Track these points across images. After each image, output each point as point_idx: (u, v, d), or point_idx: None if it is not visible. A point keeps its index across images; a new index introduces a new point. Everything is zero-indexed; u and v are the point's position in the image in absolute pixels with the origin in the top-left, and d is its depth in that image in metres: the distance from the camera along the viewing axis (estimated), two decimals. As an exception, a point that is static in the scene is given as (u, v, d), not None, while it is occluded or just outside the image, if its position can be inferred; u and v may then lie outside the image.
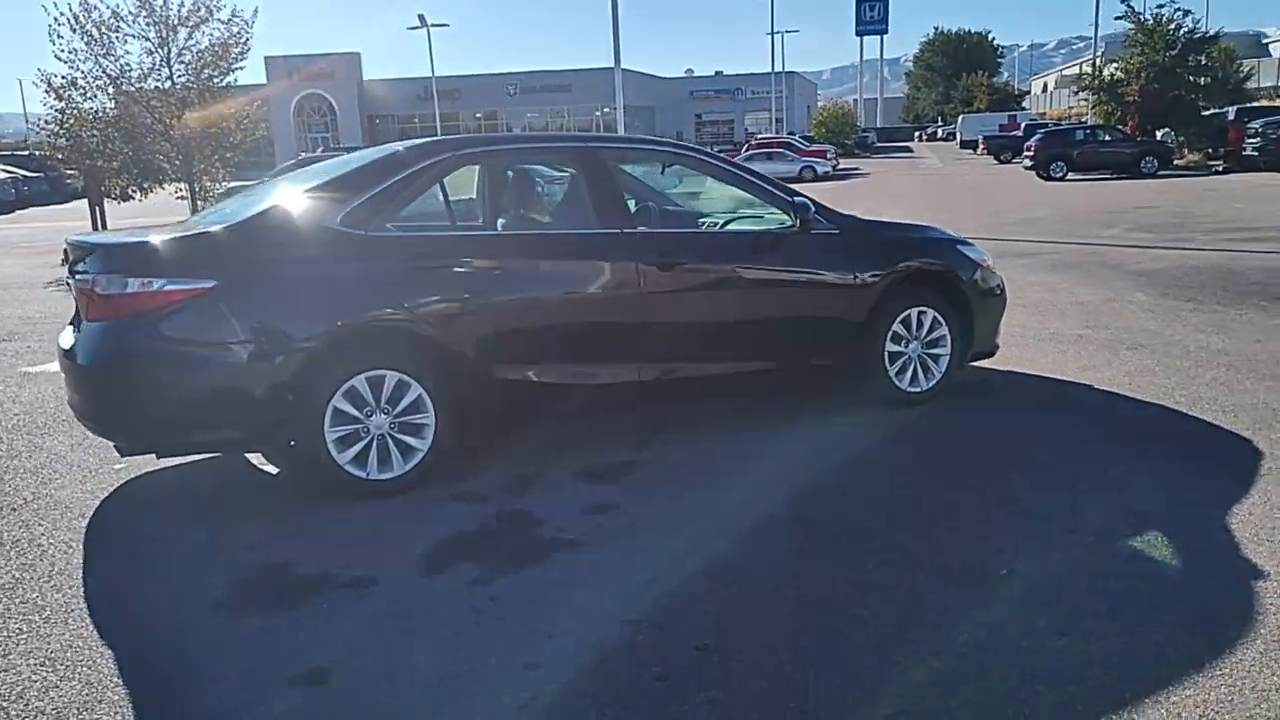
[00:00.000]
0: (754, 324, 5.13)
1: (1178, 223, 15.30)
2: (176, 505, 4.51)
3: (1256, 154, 27.02)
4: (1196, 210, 17.31)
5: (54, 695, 2.85)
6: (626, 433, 5.10)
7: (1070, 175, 29.73)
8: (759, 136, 50.19)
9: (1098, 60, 35.49)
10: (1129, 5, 32.83)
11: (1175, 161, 30.36)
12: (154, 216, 18.01)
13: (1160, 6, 32.31)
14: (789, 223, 5.23)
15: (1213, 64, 32.04)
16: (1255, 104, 34.91)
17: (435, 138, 5.13)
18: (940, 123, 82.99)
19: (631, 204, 5.17)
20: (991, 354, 5.87)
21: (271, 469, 4.87)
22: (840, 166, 43.47)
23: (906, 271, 5.44)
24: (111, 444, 4.44)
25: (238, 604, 3.42)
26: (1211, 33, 31.83)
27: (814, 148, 44.65)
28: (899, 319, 5.41)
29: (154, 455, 4.48)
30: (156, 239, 4.25)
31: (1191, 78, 31.78)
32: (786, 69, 79.15)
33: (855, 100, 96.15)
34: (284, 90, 65.09)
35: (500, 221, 4.97)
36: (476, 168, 5.13)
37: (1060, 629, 3.00)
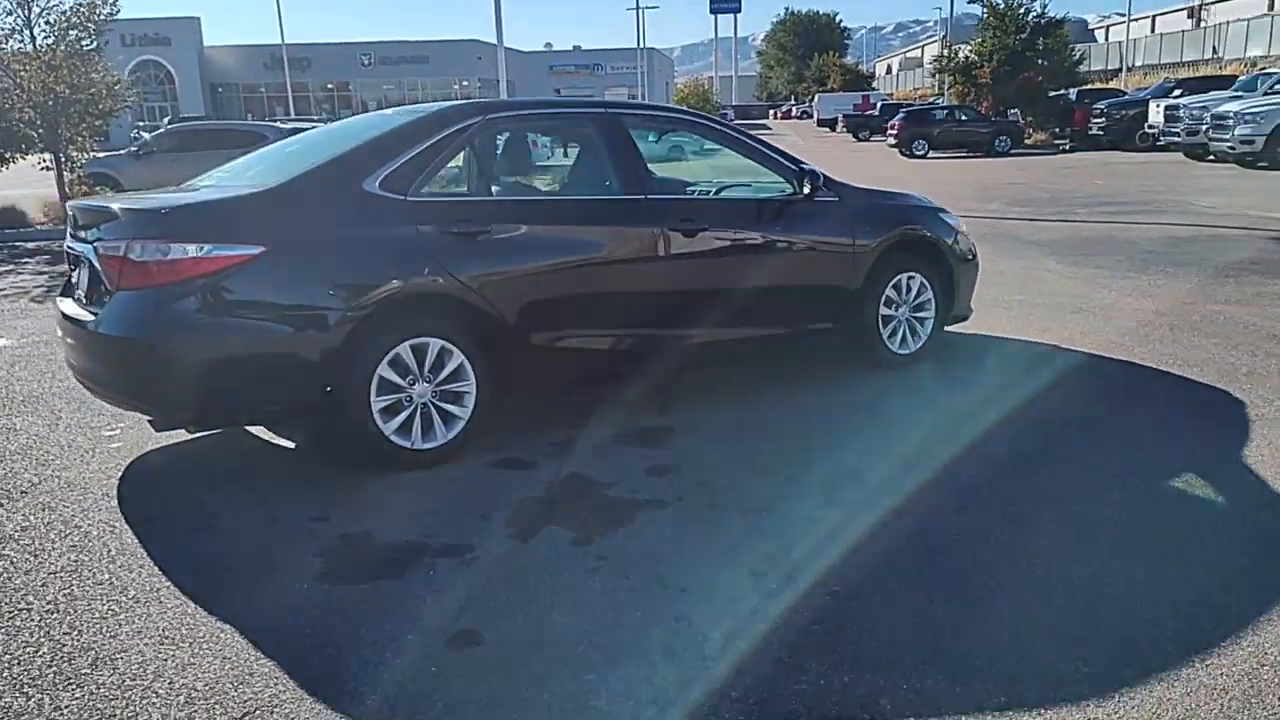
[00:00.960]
0: (766, 289, 5.25)
1: (1050, 198, 16.25)
2: (206, 480, 4.32)
3: (1101, 133, 28.86)
4: (1062, 186, 18.42)
5: (196, 671, 2.75)
6: (637, 401, 5.15)
7: (931, 153, 31.09)
8: (625, 112, 50.23)
9: (950, 43, 37.13)
10: (985, -10, 34.46)
11: (1025, 140, 32.16)
12: (19, 188, 16.82)
13: (1012, -11, 34.05)
14: (791, 190, 5.38)
15: (1056, 47, 33.93)
16: (1091, 86, 37.22)
17: (462, 101, 5.04)
18: (794, 101, 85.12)
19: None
20: (966, 318, 6.18)
21: (282, 441, 4.74)
22: (707, 143, 44.01)
23: (898, 237, 5.67)
24: (124, 417, 4.24)
25: (344, 573, 3.34)
26: (1057, 18, 33.76)
27: (680, 124, 45.04)
28: (890, 284, 5.65)
29: (185, 429, 4.31)
30: (197, 202, 4.07)
31: (1040, 60, 33.62)
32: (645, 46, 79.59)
33: (711, 78, 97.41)
34: (117, 57, 61.29)
35: (530, 186, 4.94)
36: (506, 132, 5.06)
37: (1158, 562, 3.26)
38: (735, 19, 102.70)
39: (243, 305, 3.97)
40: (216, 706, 2.59)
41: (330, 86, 72.85)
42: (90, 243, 4.20)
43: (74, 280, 4.60)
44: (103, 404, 4.89)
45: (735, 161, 5.51)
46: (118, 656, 2.84)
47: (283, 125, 22.32)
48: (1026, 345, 6.24)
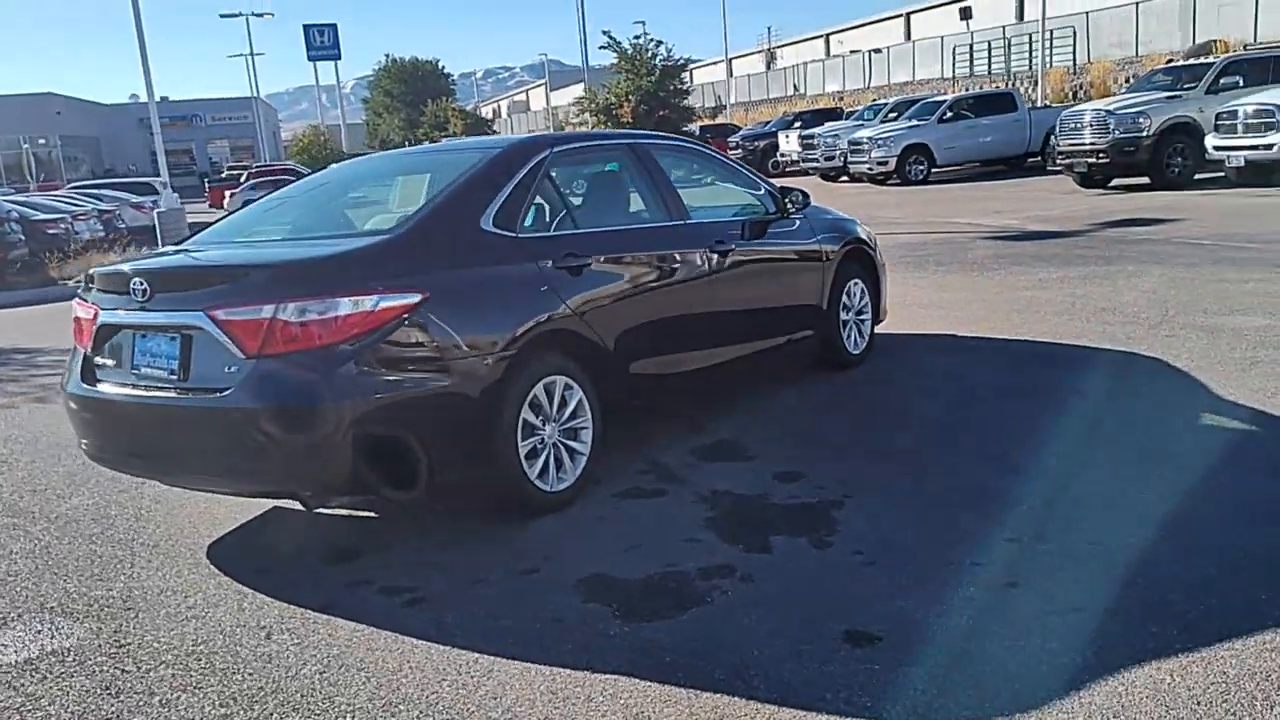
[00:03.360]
0: (772, 303, 5.61)
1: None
2: (364, 563, 3.90)
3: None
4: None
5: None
6: (669, 420, 5.28)
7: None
8: (256, 165, 47.64)
9: (588, 86, 39.18)
10: (610, 36, 36.83)
11: (673, 173, 34.77)
12: None
13: (637, 37, 36.74)
14: (772, 208, 5.77)
15: (682, 88, 37.04)
16: (710, 122, 40.96)
17: (524, 136, 4.89)
18: (410, 146, 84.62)
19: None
20: (883, 320, 6.89)
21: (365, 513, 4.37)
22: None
23: (849, 247, 6.25)
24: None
25: (643, 612, 3.26)
26: (681, 60, 36.89)
27: (321, 173, 43.68)
28: (844, 290, 6.22)
29: (309, 505, 3.86)
30: (348, 251, 3.72)
31: (673, 100, 36.55)
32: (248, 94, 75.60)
33: (320, 125, 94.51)
34: None
35: (602, 215, 4.90)
36: (571, 164, 4.96)
37: (1200, 477, 4.01)
38: (336, 66, 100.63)
39: (408, 359, 3.69)
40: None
41: None
42: (190, 309, 3.66)
43: (112, 359, 3.96)
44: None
45: (708, 184, 5.84)
46: None
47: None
48: (913, 338, 7.05)
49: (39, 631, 3.46)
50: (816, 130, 27.00)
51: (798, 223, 5.87)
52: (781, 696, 2.71)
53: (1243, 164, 14.18)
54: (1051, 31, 30.61)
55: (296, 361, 3.54)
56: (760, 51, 67.22)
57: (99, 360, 4.06)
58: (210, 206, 40.26)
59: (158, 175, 37.02)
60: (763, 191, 5.82)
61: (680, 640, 3.06)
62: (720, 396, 5.63)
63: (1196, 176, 16.03)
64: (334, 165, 5.48)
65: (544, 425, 4.14)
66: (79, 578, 3.92)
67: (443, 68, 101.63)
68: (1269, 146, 13.71)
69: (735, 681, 2.81)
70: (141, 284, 3.80)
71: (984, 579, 3.29)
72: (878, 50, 45.09)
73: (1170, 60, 21.45)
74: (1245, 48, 22.25)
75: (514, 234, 4.20)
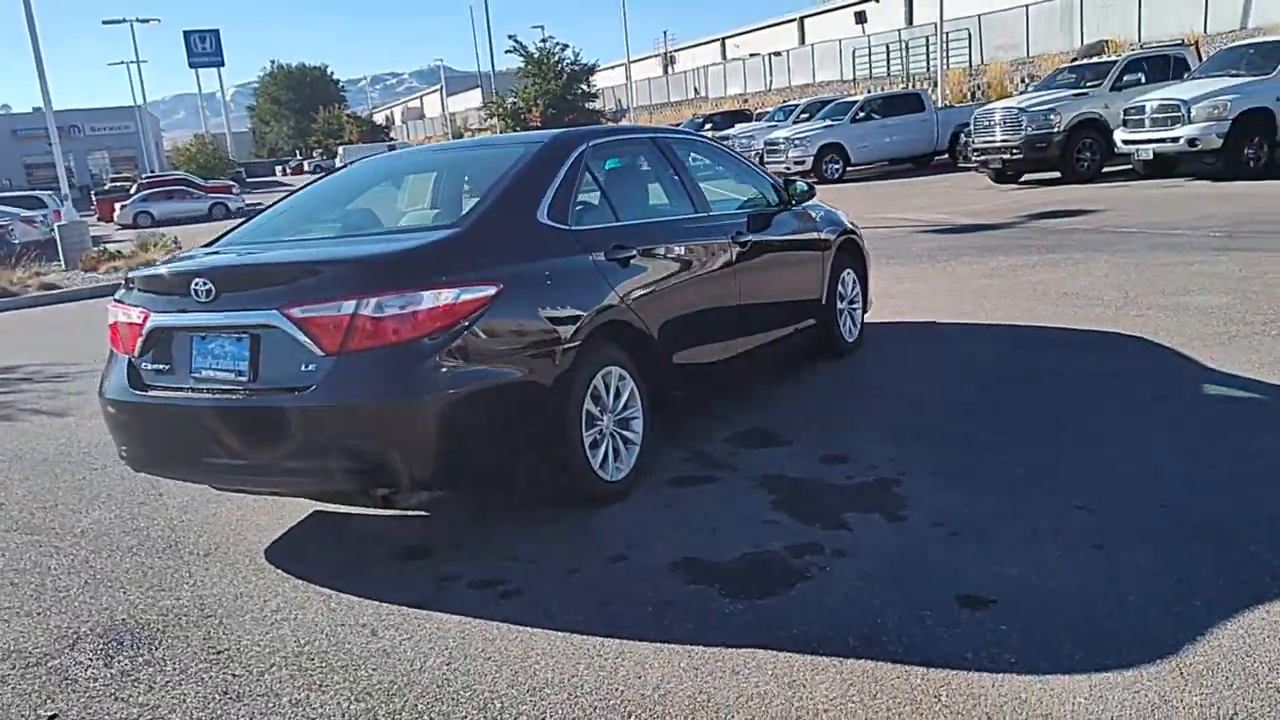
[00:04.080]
0: (783, 292, 5.72)
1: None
2: (475, 551, 3.85)
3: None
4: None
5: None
6: (693, 410, 5.34)
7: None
8: (145, 176, 45.98)
9: (499, 92, 38.84)
10: (516, 41, 36.69)
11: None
12: None
13: (543, 41, 36.67)
14: (776, 199, 5.88)
15: (590, 92, 37.12)
16: (616, 125, 41.17)
17: (557, 131, 4.88)
18: (302, 155, 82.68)
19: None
20: (869, 309, 7.07)
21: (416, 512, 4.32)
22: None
23: (843, 238, 6.42)
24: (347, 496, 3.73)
25: (752, 591, 3.32)
26: (589, 64, 36.91)
27: (216, 184, 42.73)
28: (840, 279, 6.38)
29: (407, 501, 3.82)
30: (425, 245, 3.69)
31: (583, 103, 36.60)
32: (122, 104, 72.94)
33: (204, 133, 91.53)
34: None
35: (637, 208, 4.92)
36: (607, 158, 4.95)
37: (1207, 438, 4.30)
38: (220, 73, 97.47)
39: (487, 352, 3.67)
40: (890, 704, 2.60)
41: None
42: (261, 308, 3.57)
43: (164, 363, 3.84)
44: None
45: (717, 176, 5.93)
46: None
47: None
48: (894, 326, 7.27)
49: (121, 643, 3.33)
50: (730, 132, 27.44)
51: (800, 213, 6.00)
52: (925, 658, 2.80)
53: (1151, 157, 14.96)
54: (947, 34, 31.73)
55: (381, 357, 3.49)
56: (657, 55, 67.75)
57: (147, 365, 3.92)
58: (99, 219, 38.69)
59: (31, 189, 35.59)
60: (768, 183, 5.93)
61: (799, 613, 3.13)
62: (732, 388, 5.71)
63: (1104, 170, 16.85)
64: (353, 164, 5.37)
65: (603, 416, 4.16)
66: (139, 589, 3.78)
67: (331, 74, 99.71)
68: (1175, 139, 14.49)
69: (872, 647, 2.89)
70: (205, 284, 3.69)
71: (1070, 543, 3.44)
72: (777, 54, 46.00)
73: (1074, 59, 22.42)
74: (1142, 46, 23.42)
75: (567, 226, 4.22)
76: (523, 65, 36.57)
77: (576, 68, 36.23)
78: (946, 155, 23.72)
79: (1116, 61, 17.66)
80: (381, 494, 3.68)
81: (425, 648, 3.13)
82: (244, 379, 3.65)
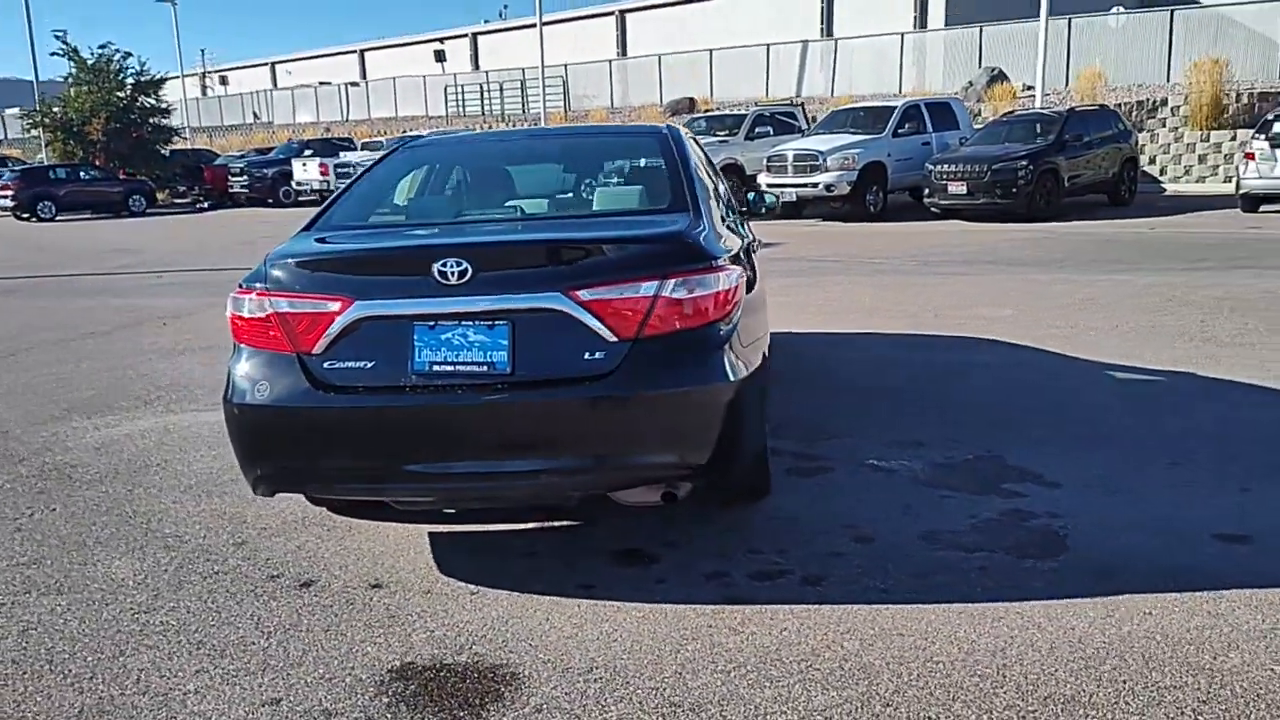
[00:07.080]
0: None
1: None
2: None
3: (245, 191, 30.02)
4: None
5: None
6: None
7: (59, 216, 28.38)
8: None
9: (45, 99, 33.31)
10: (64, 42, 32.25)
11: (159, 200, 31.46)
12: None
13: (101, 47, 32.52)
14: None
15: (160, 107, 33.45)
16: (182, 147, 37.36)
17: (649, 125, 4.74)
18: None
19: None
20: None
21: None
22: None
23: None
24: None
25: (1029, 547, 3.67)
26: (159, 76, 33.21)
27: None
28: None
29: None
30: (688, 226, 3.64)
31: (152, 120, 32.92)
32: None
33: None
34: None
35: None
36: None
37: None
38: None
39: (749, 336, 3.68)
40: None
41: None
42: (536, 291, 3.29)
43: (367, 359, 3.32)
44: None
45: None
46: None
47: None
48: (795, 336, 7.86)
49: (380, 686, 2.85)
50: (350, 157, 26.61)
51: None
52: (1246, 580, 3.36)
53: (795, 199, 17.16)
54: (540, 77, 33.28)
55: (684, 342, 3.34)
56: (195, 74, 62.45)
57: (336, 363, 3.32)
58: None
59: None
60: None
61: (1075, 567, 3.50)
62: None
63: (741, 210, 18.94)
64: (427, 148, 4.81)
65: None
66: (360, 630, 3.19)
67: None
68: (815, 185, 16.79)
69: (1166, 580, 3.36)
70: (459, 264, 3.24)
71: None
72: (355, 84, 45.07)
73: (664, 113, 24.80)
74: (717, 106, 26.54)
75: (721, 212, 4.29)
76: (74, 72, 32.06)
77: (144, 79, 32.46)
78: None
79: (747, 115, 20.01)
80: (665, 491, 3.49)
81: (765, 640, 3.07)
82: (501, 371, 3.26)
